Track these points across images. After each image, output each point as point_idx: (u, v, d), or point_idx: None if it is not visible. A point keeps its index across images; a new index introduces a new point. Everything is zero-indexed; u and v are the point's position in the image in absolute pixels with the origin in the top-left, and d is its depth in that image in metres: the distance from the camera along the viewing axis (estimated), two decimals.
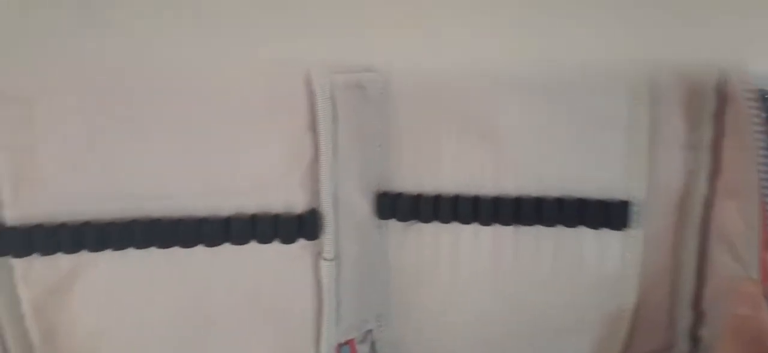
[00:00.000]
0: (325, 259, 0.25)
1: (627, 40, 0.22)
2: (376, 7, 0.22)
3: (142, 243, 0.24)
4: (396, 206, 0.26)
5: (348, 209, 0.26)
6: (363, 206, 0.26)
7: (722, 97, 0.24)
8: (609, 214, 0.25)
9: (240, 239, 0.25)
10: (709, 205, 0.25)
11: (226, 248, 0.25)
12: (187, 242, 0.24)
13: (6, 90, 0.23)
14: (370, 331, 0.28)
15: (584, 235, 0.25)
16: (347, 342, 0.27)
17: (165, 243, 0.24)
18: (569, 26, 0.22)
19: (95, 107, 0.23)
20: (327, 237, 0.25)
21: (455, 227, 0.26)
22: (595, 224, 0.25)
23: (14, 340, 0.24)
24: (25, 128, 0.23)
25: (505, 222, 0.25)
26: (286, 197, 0.25)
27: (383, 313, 0.28)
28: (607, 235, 0.25)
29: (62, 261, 0.24)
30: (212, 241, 0.24)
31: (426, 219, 0.26)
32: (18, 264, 0.24)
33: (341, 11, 0.22)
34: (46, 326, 0.24)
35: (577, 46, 0.22)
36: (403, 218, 0.26)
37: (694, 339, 0.26)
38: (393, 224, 0.27)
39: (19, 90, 0.23)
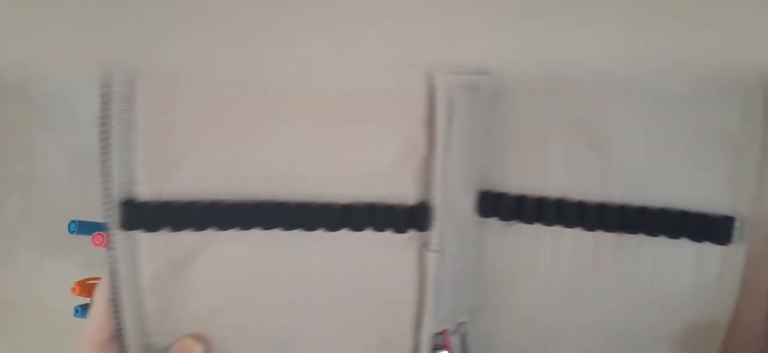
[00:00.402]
0: (431, 251, 0.26)
1: (741, 47, 0.21)
2: (490, 7, 0.22)
3: (268, 224, 0.25)
4: (498, 205, 0.27)
5: (453, 205, 0.26)
6: (466, 203, 0.27)
7: None
8: (712, 228, 0.25)
9: (358, 226, 0.25)
10: None
11: (336, 235, 0.25)
12: (309, 226, 0.25)
13: (150, 71, 0.24)
14: (462, 323, 0.29)
15: (685, 247, 0.25)
16: (441, 332, 0.28)
17: (289, 225, 0.25)
18: (680, 30, 0.21)
19: (230, 94, 0.25)
20: (435, 230, 0.26)
21: (557, 230, 0.26)
22: (697, 237, 0.25)
23: (129, 312, 0.25)
24: (164, 108, 0.24)
25: (609, 229, 0.26)
26: (401, 190, 0.26)
27: (476, 308, 0.28)
28: (708, 249, 0.25)
29: (187, 238, 0.25)
30: (332, 226, 0.25)
31: (528, 220, 0.26)
32: (145, 238, 0.24)
33: (456, 10, 0.22)
34: (162, 300, 0.25)
35: (688, 51, 0.21)
36: (505, 217, 0.27)
37: None
38: (493, 222, 0.27)
39: (162, 72, 0.24)
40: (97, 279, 0.40)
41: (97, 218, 0.42)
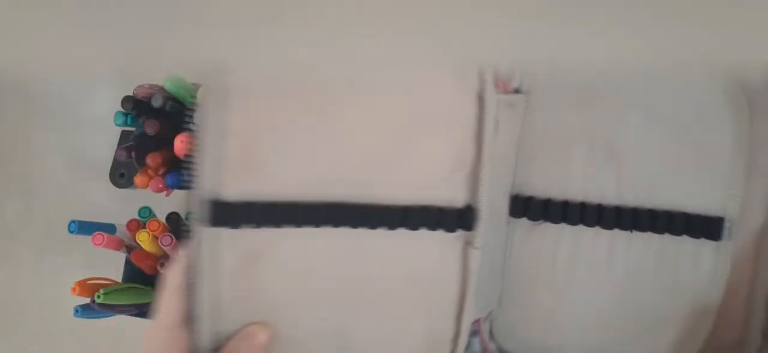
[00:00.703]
0: (475, 248, 0.29)
1: (738, 48, 0.22)
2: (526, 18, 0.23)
3: (337, 223, 0.28)
4: (528, 207, 0.31)
5: (493, 208, 0.30)
6: (503, 206, 0.31)
7: None
8: (707, 227, 0.30)
9: (414, 226, 0.29)
10: None
11: (395, 233, 0.29)
12: (373, 225, 0.28)
13: (244, 86, 0.27)
14: (490, 312, 0.33)
15: (685, 243, 0.30)
16: (476, 320, 0.32)
17: (355, 224, 0.28)
18: (680, 30, 0.22)
19: (307, 106, 0.28)
20: (480, 230, 0.29)
21: (578, 228, 0.31)
22: (695, 235, 0.30)
23: (207, 301, 0.28)
24: (250, 117, 0.27)
25: (623, 228, 0.30)
26: (451, 194, 0.29)
27: (503, 299, 0.33)
28: (703, 244, 0.30)
29: (265, 234, 0.28)
30: (392, 226, 0.29)
31: (554, 220, 0.31)
32: (227, 234, 0.27)
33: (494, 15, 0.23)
34: (237, 291, 0.28)
35: (687, 51, 0.22)
36: (534, 217, 0.31)
37: (765, 336, 0.31)
38: (522, 222, 0.32)
39: (252, 87, 0.28)
40: (97, 278, 0.40)
41: (97, 218, 0.42)
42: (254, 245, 0.28)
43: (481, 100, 0.29)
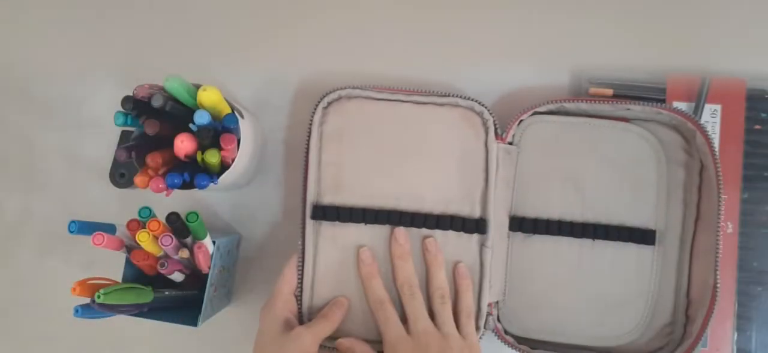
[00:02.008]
0: (487, 247, 0.44)
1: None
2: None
3: (393, 223, 0.44)
4: (522, 224, 0.46)
5: (498, 221, 0.45)
6: (504, 221, 0.46)
7: (701, 166, 0.45)
8: (645, 236, 0.45)
9: (445, 228, 0.44)
10: (695, 232, 0.45)
11: (432, 232, 0.44)
12: (417, 225, 0.44)
13: (333, 132, 0.45)
14: (498, 302, 0.46)
15: (631, 247, 0.45)
16: (489, 303, 0.45)
17: (406, 224, 0.44)
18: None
19: (370, 143, 0.44)
20: (489, 234, 0.44)
21: (557, 238, 0.45)
22: (637, 241, 0.45)
23: (306, 277, 0.44)
24: (337, 153, 0.44)
25: (588, 237, 0.45)
26: (470, 208, 0.44)
27: (507, 291, 0.46)
28: (643, 248, 0.45)
29: (344, 227, 0.44)
30: (430, 226, 0.44)
31: (541, 233, 0.45)
32: (324, 225, 0.44)
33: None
34: (326, 270, 0.44)
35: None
36: (526, 231, 0.46)
37: (687, 317, 0.45)
38: (518, 235, 0.46)
39: (339, 133, 0.45)
40: (97, 278, 0.40)
41: (97, 218, 0.42)
42: (338, 235, 0.44)
43: (486, 146, 0.45)
